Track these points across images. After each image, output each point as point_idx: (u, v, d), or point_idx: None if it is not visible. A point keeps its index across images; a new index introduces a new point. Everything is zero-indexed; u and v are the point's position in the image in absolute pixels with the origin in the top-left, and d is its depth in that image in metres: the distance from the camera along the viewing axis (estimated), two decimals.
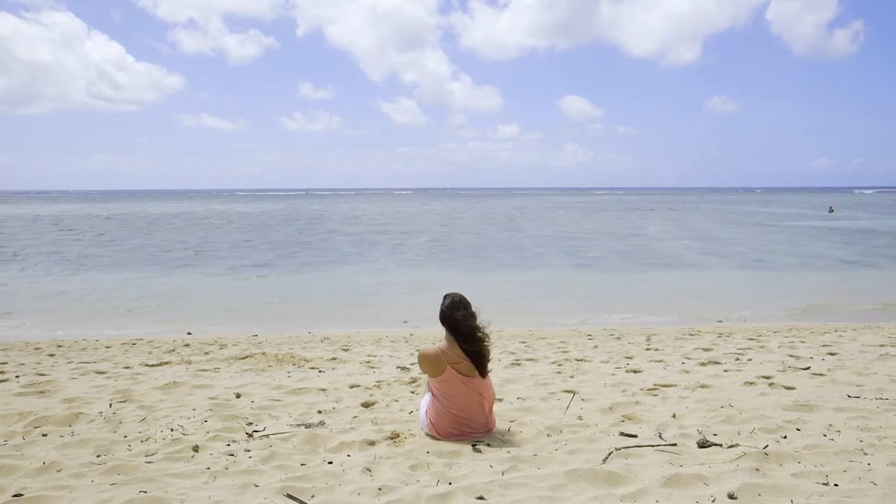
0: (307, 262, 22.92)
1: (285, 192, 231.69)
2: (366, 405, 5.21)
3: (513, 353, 8.41)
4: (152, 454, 3.86)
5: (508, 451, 3.85)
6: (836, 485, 3.14)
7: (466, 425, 4.17)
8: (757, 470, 3.35)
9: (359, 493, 3.21)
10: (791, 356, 7.50)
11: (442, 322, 4.23)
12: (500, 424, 4.49)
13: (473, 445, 3.98)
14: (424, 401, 4.40)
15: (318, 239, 32.79)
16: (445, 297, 4.29)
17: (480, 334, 4.17)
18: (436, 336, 10.01)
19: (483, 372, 4.19)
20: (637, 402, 5.11)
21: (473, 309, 4.22)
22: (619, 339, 9.98)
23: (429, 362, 4.19)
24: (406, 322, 12.48)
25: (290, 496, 3.09)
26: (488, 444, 4.02)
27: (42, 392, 5.65)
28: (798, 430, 4.21)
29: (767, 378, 6.03)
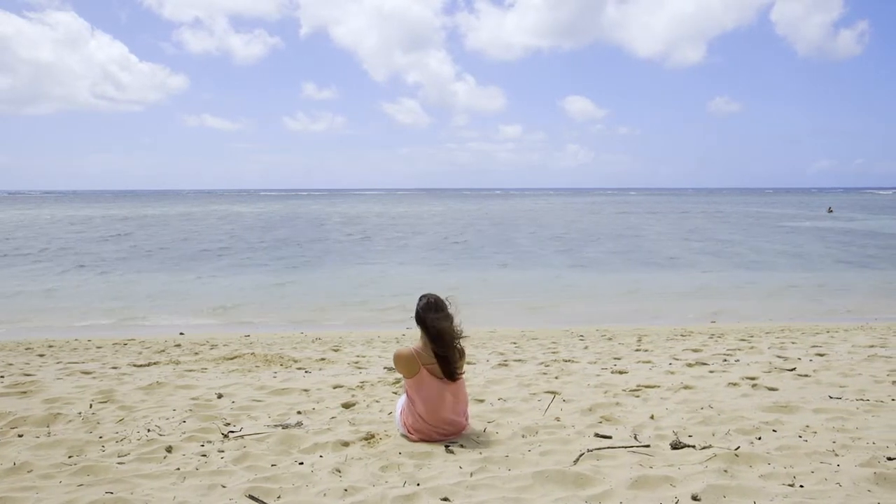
0: (303, 263, 22.94)
1: (286, 193, 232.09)
2: (346, 406, 5.21)
3: (501, 354, 8.40)
4: (125, 455, 3.86)
5: (480, 453, 3.84)
6: (801, 486, 3.13)
7: (440, 426, 4.15)
8: (725, 471, 3.33)
9: (324, 494, 3.20)
10: (779, 357, 7.48)
11: (417, 323, 4.23)
12: (478, 425, 4.49)
13: (447, 447, 3.97)
14: (400, 402, 4.40)
15: (315, 239, 32.83)
16: (421, 297, 4.28)
17: (454, 337, 4.16)
18: None
19: (455, 374, 4.17)
20: (618, 404, 5.10)
21: (450, 310, 4.22)
22: (610, 339, 9.97)
23: (403, 363, 4.19)
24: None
25: (251, 497, 3.08)
26: (462, 446, 4.01)
27: (24, 392, 5.65)
28: (774, 431, 4.19)
29: (752, 379, 6.01)
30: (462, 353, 4.24)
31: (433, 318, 4.14)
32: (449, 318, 4.19)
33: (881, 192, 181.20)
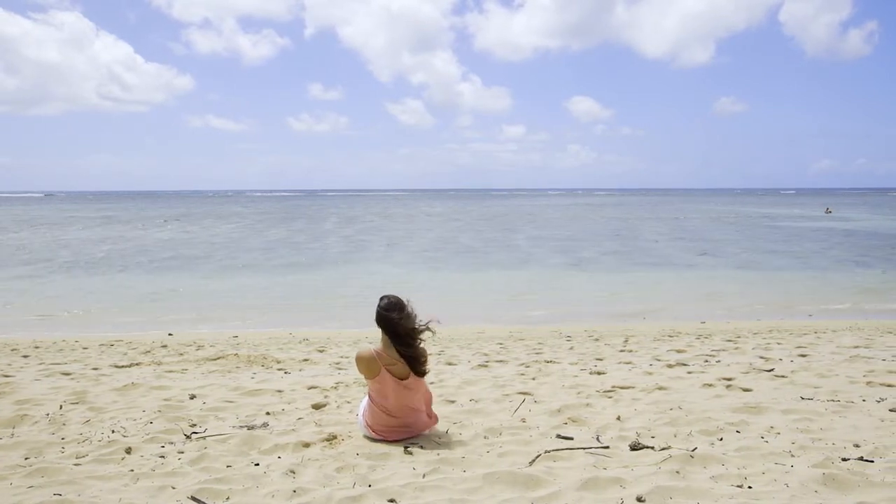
0: (300, 263, 22.94)
1: (289, 193, 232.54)
2: (316, 407, 5.20)
3: (485, 355, 8.38)
4: (83, 456, 3.86)
5: (438, 454, 3.83)
6: (749, 487, 3.11)
7: (402, 426, 4.15)
8: (677, 472, 3.32)
9: (273, 496, 3.19)
10: (761, 357, 7.44)
11: (378, 323, 4.23)
12: (444, 426, 4.47)
13: (406, 448, 3.96)
14: (363, 403, 4.39)
15: (313, 239, 32.88)
16: (382, 298, 4.28)
17: (416, 336, 4.16)
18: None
19: (419, 373, 4.17)
20: (588, 405, 5.08)
21: (409, 310, 4.21)
22: (597, 340, 9.93)
23: (364, 364, 4.18)
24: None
25: (194, 499, 3.08)
26: (421, 447, 4.00)
27: None
28: (738, 432, 4.17)
29: (728, 380, 5.99)
30: (424, 351, 4.23)
31: (395, 318, 4.14)
32: (410, 317, 4.18)
33: (888, 193, 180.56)
